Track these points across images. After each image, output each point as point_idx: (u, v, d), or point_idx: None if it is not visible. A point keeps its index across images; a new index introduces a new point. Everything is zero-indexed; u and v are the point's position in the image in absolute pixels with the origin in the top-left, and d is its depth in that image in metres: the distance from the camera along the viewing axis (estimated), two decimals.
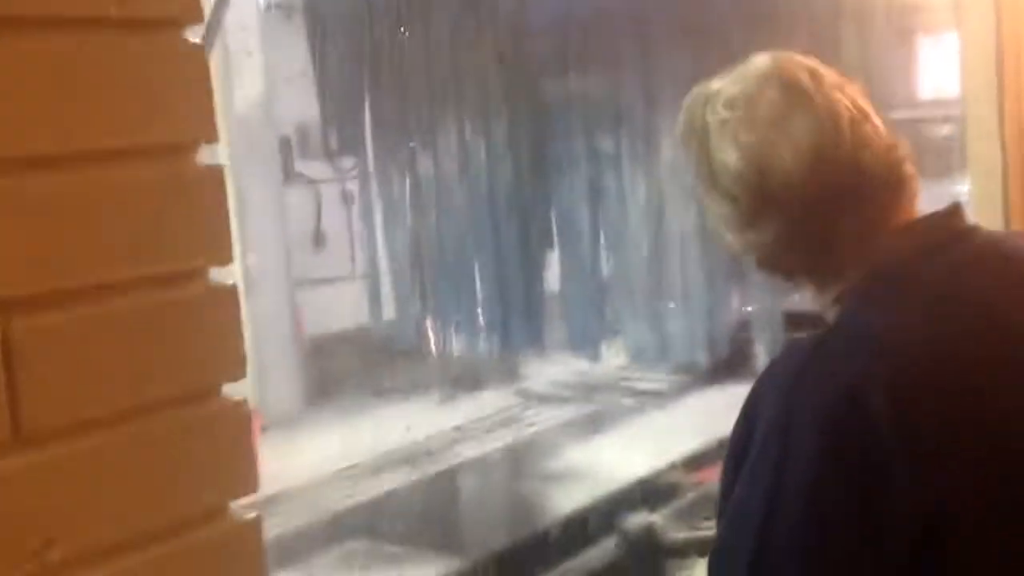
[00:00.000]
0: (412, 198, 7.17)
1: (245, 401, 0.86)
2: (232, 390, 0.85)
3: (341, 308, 8.26)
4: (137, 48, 0.83)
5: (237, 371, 0.85)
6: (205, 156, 0.87)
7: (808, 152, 1.22)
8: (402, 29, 6.49)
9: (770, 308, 5.77)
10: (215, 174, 0.86)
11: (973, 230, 1.30)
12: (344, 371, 7.92)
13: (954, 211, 1.31)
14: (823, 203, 1.23)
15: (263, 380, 7.14)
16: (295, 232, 8.36)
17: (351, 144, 7.63)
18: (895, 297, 1.23)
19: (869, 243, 1.25)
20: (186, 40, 0.86)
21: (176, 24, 0.86)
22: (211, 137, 0.86)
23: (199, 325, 0.84)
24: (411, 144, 7.03)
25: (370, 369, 7.98)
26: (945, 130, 6.31)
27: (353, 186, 8.62)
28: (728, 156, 1.25)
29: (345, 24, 6.90)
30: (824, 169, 1.22)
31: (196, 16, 0.86)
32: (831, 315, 1.29)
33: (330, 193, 9.46)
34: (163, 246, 0.83)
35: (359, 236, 8.45)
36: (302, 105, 7.70)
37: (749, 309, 6.08)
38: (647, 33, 5.80)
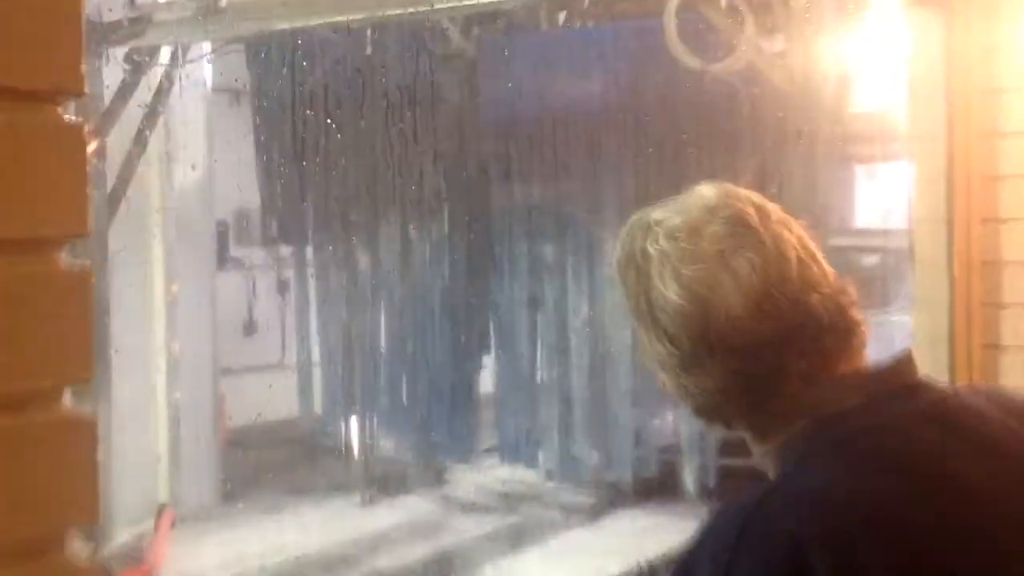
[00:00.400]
0: (349, 291, 7.05)
1: (95, 556, 0.71)
2: (79, 544, 0.70)
3: (268, 398, 8.04)
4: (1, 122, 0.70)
5: (86, 516, 0.70)
6: (72, 254, 0.73)
7: (754, 291, 1.14)
8: (329, 122, 6.44)
9: (702, 432, 5.69)
10: (82, 277, 0.73)
11: (923, 384, 1.23)
12: (266, 465, 7.67)
13: (904, 361, 1.23)
14: (767, 346, 1.15)
15: (179, 472, 6.87)
16: (226, 318, 8.17)
17: (290, 233, 7.53)
18: (839, 451, 1.16)
19: (814, 391, 1.17)
20: (62, 116, 0.73)
21: (52, 97, 0.73)
22: (82, 231, 0.73)
23: (44, 459, 0.69)
24: (352, 238, 6.93)
25: (293, 464, 7.74)
26: (874, 260, 6.37)
27: (289, 274, 8.50)
28: (669, 290, 1.17)
29: (291, 113, 6.85)
30: (770, 310, 1.14)
31: (76, 87, 0.74)
32: (769, 466, 1.21)
33: (265, 280, 9.33)
34: (7, 360, 0.69)
35: (292, 325, 8.30)
36: (243, 190, 7.60)
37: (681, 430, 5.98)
38: (596, 145, 5.80)
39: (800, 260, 1.18)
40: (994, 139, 2.28)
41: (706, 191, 1.22)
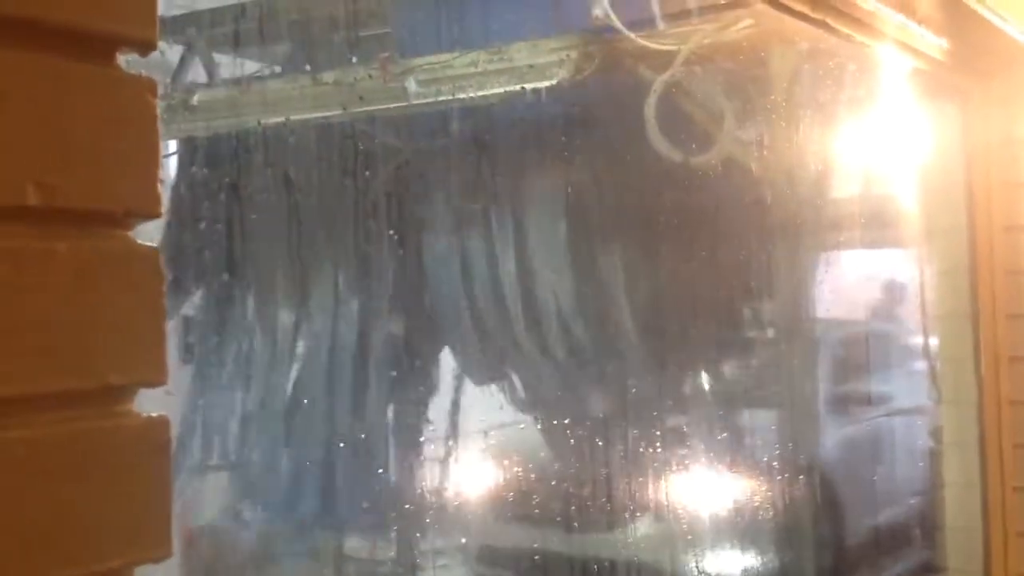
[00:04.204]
0: (267, 352, 6.70)
1: None
2: None
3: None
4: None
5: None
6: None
7: None
8: (266, 192, 6.16)
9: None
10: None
11: None
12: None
13: None
14: None
15: None
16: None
17: (198, 287, 7.17)
18: None
19: None
20: (133, 240, 0.55)
21: (124, 220, 0.54)
22: (160, 380, 0.56)
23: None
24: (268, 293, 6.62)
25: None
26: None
27: (193, 339, 8.11)
28: None
29: (203, 157, 6.53)
30: None
31: (153, 209, 0.55)
32: None
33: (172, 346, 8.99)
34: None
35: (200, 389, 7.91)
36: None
37: None
38: (533, 210, 5.59)
39: None
40: (1017, 232, 2.18)
41: None
